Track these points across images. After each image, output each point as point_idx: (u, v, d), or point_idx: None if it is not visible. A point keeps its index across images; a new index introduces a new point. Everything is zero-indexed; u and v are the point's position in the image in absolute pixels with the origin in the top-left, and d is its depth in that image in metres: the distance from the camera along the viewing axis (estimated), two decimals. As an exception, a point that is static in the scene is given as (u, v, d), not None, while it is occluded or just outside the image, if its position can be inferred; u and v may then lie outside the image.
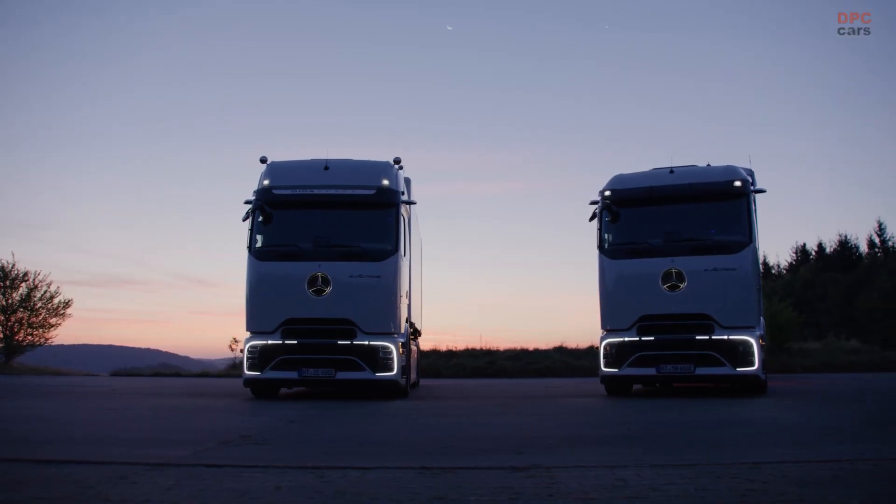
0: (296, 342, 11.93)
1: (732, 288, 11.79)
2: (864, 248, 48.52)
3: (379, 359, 11.89)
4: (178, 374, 26.93)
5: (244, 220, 13.07)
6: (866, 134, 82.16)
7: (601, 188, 12.95)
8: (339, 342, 11.88)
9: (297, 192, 12.42)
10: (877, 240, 47.79)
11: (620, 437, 6.61)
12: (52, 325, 28.67)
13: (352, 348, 11.87)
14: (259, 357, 11.98)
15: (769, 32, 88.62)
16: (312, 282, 11.94)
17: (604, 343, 12.44)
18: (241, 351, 12.57)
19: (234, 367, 31.08)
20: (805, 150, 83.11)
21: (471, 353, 27.61)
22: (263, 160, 12.95)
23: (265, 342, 11.99)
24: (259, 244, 12.38)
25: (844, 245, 47.86)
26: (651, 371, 11.96)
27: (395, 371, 11.93)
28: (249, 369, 12.04)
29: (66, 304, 29.03)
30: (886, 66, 78.32)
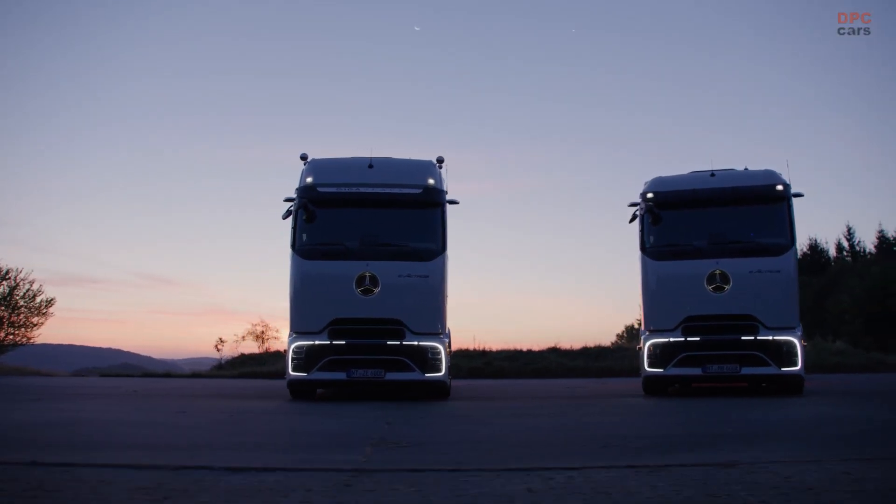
0: (344, 342, 11.78)
1: (776, 289, 12.04)
2: (832, 252, 49.93)
3: (428, 359, 11.82)
4: (168, 375, 26.42)
5: (285, 217, 12.88)
6: (832, 139, 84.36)
7: (641, 190, 13.10)
8: (389, 342, 11.78)
9: (343, 189, 12.28)
10: (845, 244, 49.27)
11: (759, 434, 6.66)
12: (35, 325, 27.86)
13: (401, 349, 11.77)
14: (306, 358, 11.78)
15: (769, 32, 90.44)
16: (360, 281, 11.81)
17: (647, 343, 12.55)
18: (285, 351, 12.36)
19: (219, 367, 30.71)
20: (776, 154, 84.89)
21: (465, 354, 27.60)
22: (304, 157, 12.78)
23: (312, 342, 11.80)
24: (303, 242, 12.20)
25: (814, 249, 49.16)
26: (697, 371, 12.13)
27: (443, 372, 11.89)
28: (295, 370, 11.84)
29: (49, 302, 28.27)
30: (886, 66, 79.72)
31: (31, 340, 27.95)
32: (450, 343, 13.07)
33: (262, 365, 27.86)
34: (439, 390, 12.12)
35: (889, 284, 37.14)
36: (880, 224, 58.81)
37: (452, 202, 13.13)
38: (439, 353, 11.89)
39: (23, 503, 3.50)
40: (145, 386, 17.65)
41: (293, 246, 12.16)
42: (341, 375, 11.72)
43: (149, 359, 76.58)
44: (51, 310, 28.22)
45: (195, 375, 26.93)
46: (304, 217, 12.18)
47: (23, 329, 27.66)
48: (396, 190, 12.26)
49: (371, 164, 12.49)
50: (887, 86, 77.13)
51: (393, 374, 11.73)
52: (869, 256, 46.88)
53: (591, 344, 28.84)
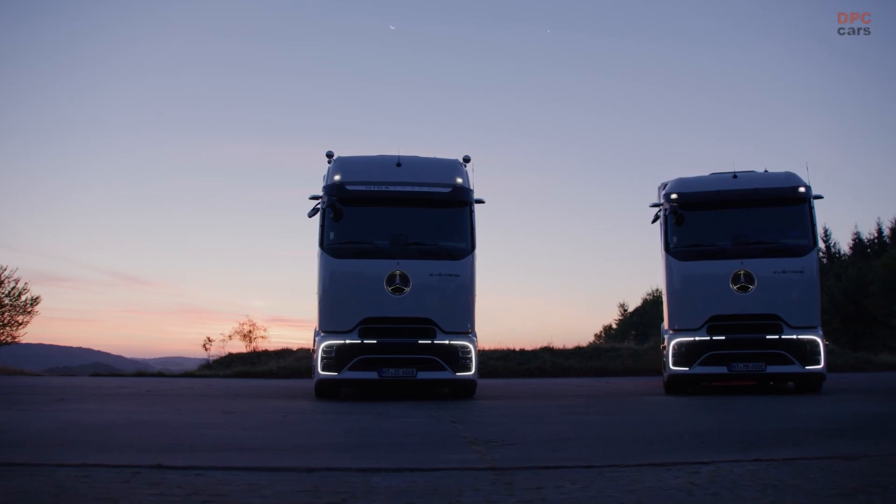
0: (375, 342, 11.74)
1: (799, 289, 12.30)
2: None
3: (459, 358, 11.84)
4: (162, 375, 26.00)
5: (311, 215, 12.81)
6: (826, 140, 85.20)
7: (664, 191, 13.27)
8: (420, 342, 11.77)
9: (372, 188, 12.23)
10: (822, 246, 50.31)
11: (846, 430, 6.80)
12: (20, 324, 27.25)
13: (433, 348, 11.77)
14: (336, 357, 11.71)
15: (769, 33, 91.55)
16: (391, 280, 11.78)
17: (672, 342, 12.71)
18: (314, 351, 12.28)
19: (208, 367, 30.30)
20: (774, 154, 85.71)
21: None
22: (330, 155, 12.73)
23: (342, 342, 11.74)
24: (331, 241, 12.12)
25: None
26: (722, 369, 12.31)
27: (473, 371, 11.93)
28: (325, 369, 11.77)
29: (34, 301, 27.68)
30: (886, 67, 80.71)
31: (17, 339, 27.32)
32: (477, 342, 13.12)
33: (253, 365, 27.60)
34: (469, 389, 12.15)
35: (865, 285, 38.00)
36: (856, 226, 60.23)
37: (479, 201, 13.17)
38: (469, 352, 11.92)
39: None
40: (150, 386, 17.31)
41: (321, 244, 12.09)
42: (372, 375, 11.68)
43: (120, 358, 75.40)
44: (36, 308, 27.62)
45: (187, 375, 26.54)
46: (331, 215, 12.11)
47: (7, 328, 27.01)
48: (426, 189, 12.25)
49: (399, 162, 12.47)
50: (887, 86, 78.24)
51: (425, 374, 11.73)
52: (844, 258, 47.93)
53: (583, 343, 28.98)
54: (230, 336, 33.11)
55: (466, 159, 12.81)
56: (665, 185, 14.41)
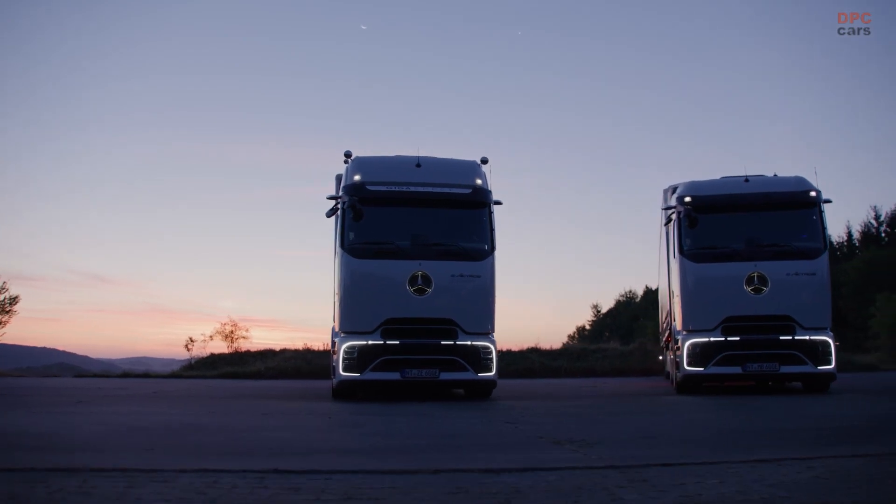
0: (398, 342, 11.71)
1: (812, 291, 12.59)
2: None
3: (481, 359, 11.87)
4: (147, 375, 25.63)
5: (329, 215, 12.75)
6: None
7: (677, 194, 13.48)
8: (443, 342, 11.78)
9: (393, 188, 12.20)
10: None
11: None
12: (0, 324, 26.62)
13: (455, 348, 11.78)
14: (358, 358, 11.65)
15: (768, 33, 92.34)
16: (413, 281, 11.75)
17: (687, 343, 12.89)
18: (334, 352, 12.17)
19: (190, 367, 29.89)
20: (774, 154, 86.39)
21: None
22: (348, 154, 12.67)
23: (365, 342, 11.68)
24: (352, 241, 12.06)
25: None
26: (736, 370, 12.54)
27: (493, 371, 11.98)
28: (346, 370, 11.68)
29: (13, 300, 27.07)
30: (886, 66, 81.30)
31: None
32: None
33: (239, 365, 27.30)
34: (487, 390, 12.21)
35: (837, 288, 38.86)
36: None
37: (497, 203, 13.22)
38: (491, 352, 11.97)
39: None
40: (147, 388, 17.03)
41: (342, 244, 12.01)
42: (395, 376, 11.65)
43: (86, 358, 73.79)
44: (15, 307, 27.00)
45: (174, 376, 26.16)
46: (351, 215, 12.04)
47: (-15, 328, 26.37)
48: (447, 190, 12.26)
49: (419, 163, 12.46)
50: (887, 86, 79.20)
51: (447, 374, 11.74)
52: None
53: (556, 345, 29.32)
54: (211, 336, 32.63)
55: (484, 160, 12.84)
56: (674, 189, 14.64)
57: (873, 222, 45.45)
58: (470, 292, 12.01)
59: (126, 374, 25.66)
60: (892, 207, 45.51)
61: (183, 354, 32.43)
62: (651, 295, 59.32)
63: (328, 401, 11.88)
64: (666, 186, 16.06)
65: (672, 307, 14.56)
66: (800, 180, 13.16)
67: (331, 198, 12.62)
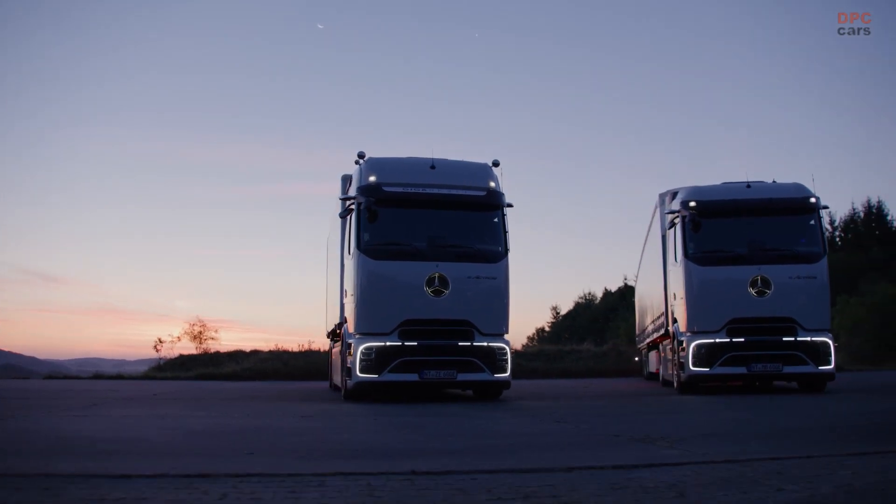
0: (416, 344, 11.70)
1: (813, 294, 13.03)
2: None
3: (497, 360, 11.95)
4: (121, 377, 25.00)
5: (343, 216, 12.72)
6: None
7: (681, 199, 13.80)
8: (460, 343, 11.83)
9: (409, 189, 12.18)
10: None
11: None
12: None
13: (472, 350, 11.84)
14: (376, 359, 11.61)
15: (768, 33, 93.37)
16: (430, 282, 11.77)
17: (693, 344, 13.20)
18: (350, 353, 12.05)
19: (159, 368, 29.31)
20: (773, 155, 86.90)
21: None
22: (361, 155, 12.59)
23: (383, 343, 11.64)
24: (367, 242, 12.01)
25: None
26: (741, 370, 12.91)
27: (508, 372, 12.08)
28: (363, 371, 11.61)
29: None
30: (886, 67, 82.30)
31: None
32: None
33: (216, 366, 26.87)
34: (499, 391, 12.33)
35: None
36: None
37: (508, 205, 13.33)
38: (506, 353, 12.07)
39: None
40: (144, 390, 16.62)
41: (357, 245, 11.95)
42: (413, 377, 11.65)
43: (33, 359, 71.57)
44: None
45: (147, 377, 25.55)
46: (367, 216, 12.00)
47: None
48: (462, 192, 12.31)
49: (433, 164, 12.47)
50: (887, 86, 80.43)
51: (464, 375, 11.80)
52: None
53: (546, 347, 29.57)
54: (179, 337, 32.00)
55: (495, 163, 12.91)
56: (674, 194, 14.99)
57: (828, 227, 47.02)
58: (486, 294, 12.07)
59: (98, 376, 25.02)
60: (846, 213, 47.12)
61: (134, 355, 31.90)
62: (611, 297, 60.32)
63: (339, 401, 11.81)
64: (662, 191, 16.40)
65: (671, 309, 14.87)
66: (799, 187, 13.61)
67: (344, 198, 12.57)
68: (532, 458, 5.21)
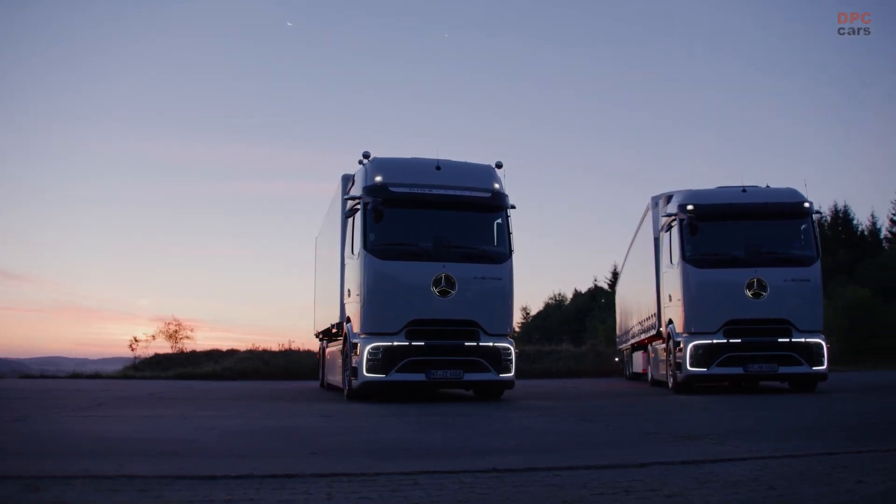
0: (423, 343, 11.74)
1: (807, 296, 13.38)
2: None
3: (502, 359, 12.05)
4: (98, 376, 24.55)
5: (348, 216, 12.70)
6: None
7: (679, 202, 14.05)
8: (466, 343, 11.89)
9: (416, 190, 12.20)
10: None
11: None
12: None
13: (478, 349, 11.91)
14: (383, 359, 11.61)
15: (768, 33, 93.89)
16: (437, 282, 11.82)
17: (690, 345, 13.45)
18: (357, 353, 12.03)
19: (134, 367, 28.90)
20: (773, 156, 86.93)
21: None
22: (366, 155, 12.59)
23: (390, 343, 11.64)
24: (374, 242, 12.00)
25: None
26: (738, 370, 13.20)
27: (512, 372, 12.19)
28: (370, 371, 11.60)
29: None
30: (886, 67, 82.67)
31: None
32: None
33: (195, 366, 26.56)
34: (500, 391, 12.44)
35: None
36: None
37: (512, 207, 13.43)
38: (510, 353, 12.17)
39: None
40: (130, 390, 16.35)
41: (364, 245, 11.93)
42: (420, 377, 11.68)
43: (-9, 358, 69.51)
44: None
45: (124, 377, 25.12)
46: (373, 216, 11.99)
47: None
48: (468, 193, 12.37)
49: (438, 165, 12.51)
50: (887, 86, 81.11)
51: (471, 375, 11.86)
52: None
53: (526, 347, 29.77)
54: (154, 336, 31.58)
55: (499, 165, 12.98)
56: (668, 198, 15.26)
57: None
58: (491, 294, 12.15)
59: (76, 375, 24.51)
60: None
61: (97, 353, 31.47)
62: (581, 298, 60.91)
63: (344, 401, 11.77)
64: (655, 195, 16.62)
65: (665, 310, 15.11)
66: (793, 192, 13.95)
67: (349, 198, 12.54)
68: (592, 455, 5.27)
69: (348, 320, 12.54)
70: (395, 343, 11.64)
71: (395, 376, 11.62)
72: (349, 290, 12.63)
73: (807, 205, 13.69)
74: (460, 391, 13.56)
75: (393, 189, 12.07)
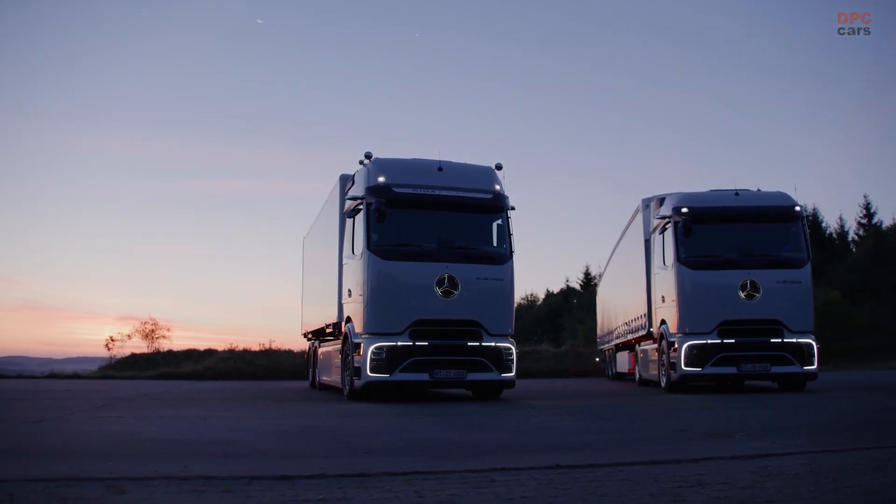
0: (427, 343, 11.79)
1: (798, 297, 13.73)
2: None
3: (504, 359, 12.18)
4: (77, 376, 24.13)
5: (350, 216, 12.69)
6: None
7: (673, 204, 14.29)
8: (469, 343, 11.98)
9: (419, 191, 12.25)
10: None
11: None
12: None
13: (480, 349, 12.01)
14: (387, 359, 11.64)
15: (768, 33, 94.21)
16: (441, 283, 11.88)
17: (685, 345, 13.70)
18: (360, 353, 12.02)
19: (109, 367, 28.50)
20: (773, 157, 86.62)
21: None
22: (368, 156, 12.60)
23: (394, 343, 11.67)
24: (377, 242, 12.00)
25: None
26: (732, 370, 13.50)
27: (513, 371, 12.32)
28: (374, 371, 11.61)
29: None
30: (886, 67, 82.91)
31: None
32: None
33: (175, 365, 26.26)
34: (499, 391, 12.57)
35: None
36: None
37: (512, 208, 13.54)
38: (512, 353, 12.30)
39: None
40: (119, 391, 16.13)
41: (367, 246, 11.94)
42: (424, 376, 11.73)
43: (-63, 357, 67.74)
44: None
45: (105, 376, 24.73)
46: (377, 217, 12.00)
47: None
48: (470, 194, 12.46)
49: (440, 166, 12.57)
50: (887, 86, 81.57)
51: (474, 375, 11.95)
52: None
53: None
54: (129, 335, 31.13)
55: (498, 167, 13.09)
56: (661, 201, 15.48)
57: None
58: (493, 295, 12.25)
59: (54, 375, 24.04)
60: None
61: (61, 353, 31.03)
62: (553, 298, 61.39)
63: (348, 401, 11.77)
64: (645, 197, 16.86)
65: (657, 311, 15.35)
66: (784, 195, 14.30)
67: (351, 198, 12.53)
68: (634, 452, 5.39)
69: (348, 320, 12.53)
70: (399, 343, 11.68)
71: (400, 376, 11.65)
72: (349, 290, 12.62)
73: (797, 208, 14.04)
74: (455, 392, 13.66)
75: (396, 190, 12.10)
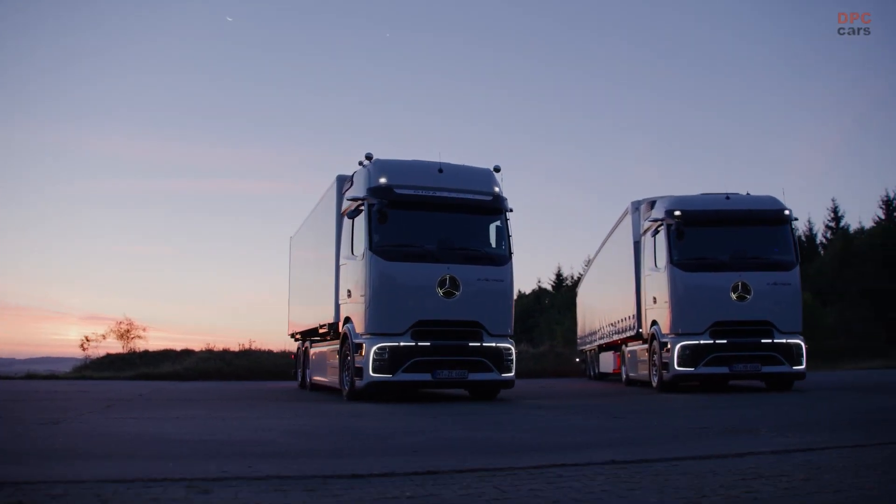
0: (429, 344, 11.88)
1: (787, 299, 14.10)
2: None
3: (504, 359, 12.31)
4: (55, 377, 23.73)
5: (352, 216, 12.71)
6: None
7: (666, 207, 14.57)
8: (471, 344, 12.09)
9: (420, 192, 12.33)
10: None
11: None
12: None
13: (481, 350, 12.14)
14: (389, 359, 11.70)
15: (767, 33, 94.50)
16: (442, 283, 11.98)
17: (678, 345, 13.98)
18: (361, 354, 12.03)
19: (85, 367, 28.11)
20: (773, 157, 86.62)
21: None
22: (369, 157, 12.66)
23: (396, 344, 11.73)
24: (378, 243, 12.05)
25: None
26: (724, 370, 13.81)
27: (513, 371, 12.46)
28: (377, 371, 11.65)
29: None
30: (886, 67, 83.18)
31: None
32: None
33: (154, 365, 25.96)
34: (496, 391, 12.72)
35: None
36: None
37: (510, 210, 13.68)
38: (511, 353, 12.45)
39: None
40: (129, 391, 15.98)
41: (369, 246, 11.97)
42: (426, 376, 11.82)
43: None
44: None
45: (83, 377, 24.31)
46: (378, 218, 12.05)
47: None
48: (470, 196, 12.57)
49: (441, 168, 12.67)
50: (887, 86, 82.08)
51: (475, 375, 12.07)
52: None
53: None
54: (104, 335, 30.70)
55: (497, 169, 13.22)
56: (651, 204, 15.78)
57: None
58: (494, 296, 12.38)
59: (31, 376, 23.61)
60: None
61: (25, 353, 30.58)
62: (525, 299, 61.76)
63: (351, 401, 11.80)
64: (635, 200, 17.12)
65: (648, 312, 15.62)
66: (773, 199, 14.68)
67: (352, 199, 12.55)
68: (668, 448, 5.54)
69: (348, 320, 12.56)
70: (402, 343, 11.74)
71: (402, 376, 11.72)
72: (349, 291, 12.64)
73: (787, 212, 14.41)
74: (450, 392, 13.78)
75: (398, 191, 12.16)
